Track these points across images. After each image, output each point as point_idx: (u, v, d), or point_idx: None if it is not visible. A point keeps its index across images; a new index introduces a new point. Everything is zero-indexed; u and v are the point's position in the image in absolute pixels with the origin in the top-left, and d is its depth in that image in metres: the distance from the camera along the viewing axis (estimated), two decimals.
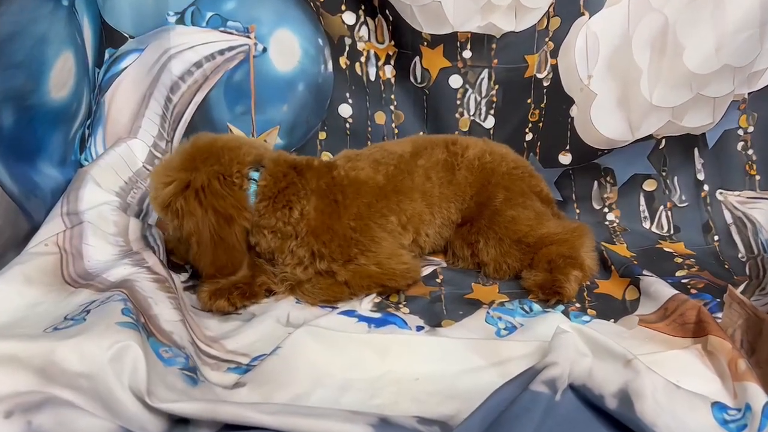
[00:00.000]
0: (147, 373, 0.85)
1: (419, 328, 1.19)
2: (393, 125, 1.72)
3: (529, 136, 1.69)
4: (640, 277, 1.31)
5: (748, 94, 1.57)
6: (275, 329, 1.17)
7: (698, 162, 1.64)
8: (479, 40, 1.61)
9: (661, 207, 1.66)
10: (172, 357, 0.97)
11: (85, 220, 1.27)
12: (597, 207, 1.70)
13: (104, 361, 0.84)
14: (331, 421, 0.83)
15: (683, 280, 1.38)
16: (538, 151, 1.69)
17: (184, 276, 1.35)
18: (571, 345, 0.99)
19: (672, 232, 1.63)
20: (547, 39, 1.61)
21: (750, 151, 1.61)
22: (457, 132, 1.69)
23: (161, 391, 0.87)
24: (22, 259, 1.12)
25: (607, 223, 1.67)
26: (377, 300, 1.29)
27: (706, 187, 1.64)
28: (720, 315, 1.19)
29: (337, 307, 1.25)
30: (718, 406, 0.90)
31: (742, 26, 1.42)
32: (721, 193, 1.63)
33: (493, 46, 1.62)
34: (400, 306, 1.27)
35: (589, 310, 1.28)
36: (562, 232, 1.40)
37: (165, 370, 0.94)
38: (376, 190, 1.36)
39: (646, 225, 1.66)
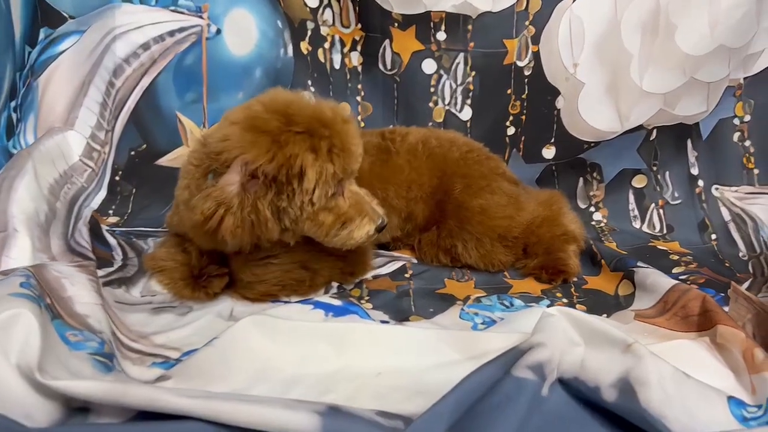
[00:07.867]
0: (41, 349, 0.70)
1: (383, 323, 1.02)
2: (360, 117, 1.57)
3: (511, 130, 1.55)
4: (633, 269, 1.17)
5: (744, 78, 1.45)
6: (215, 323, 1.01)
7: (692, 155, 1.51)
8: (454, 21, 1.49)
9: (653, 205, 1.52)
10: (81, 341, 0.82)
11: (11, 228, 1.09)
12: (582, 206, 1.56)
13: None
14: (266, 407, 0.67)
15: (681, 277, 1.23)
16: (521, 146, 1.55)
17: (107, 270, 1.16)
18: (560, 330, 0.84)
19: (665, 231, 1.49)
20: (527, 22, 1.48)
21: (747, 143, 1.48)
22: (430, 124, 1.55)
23: (60, 373, 0.72)
24: None
25: (593, 223, 1.53)
26: (337, 291, 1.13)
27: (700, 183, 1.51)
28: (726, 309, 1.04)
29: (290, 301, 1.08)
30: (734, 402, 0.75)
31: (737, 2, 1.31)
32: (717, 188, 1.49)
33: (469, 27, 1.49)
34: (363, 301, 1.11)
35: (578, 305, 1.13)
36: (543, 209, 1.29)
37: (69, 353, 0.78)
38: None
39: (636, 224, 1.52)
